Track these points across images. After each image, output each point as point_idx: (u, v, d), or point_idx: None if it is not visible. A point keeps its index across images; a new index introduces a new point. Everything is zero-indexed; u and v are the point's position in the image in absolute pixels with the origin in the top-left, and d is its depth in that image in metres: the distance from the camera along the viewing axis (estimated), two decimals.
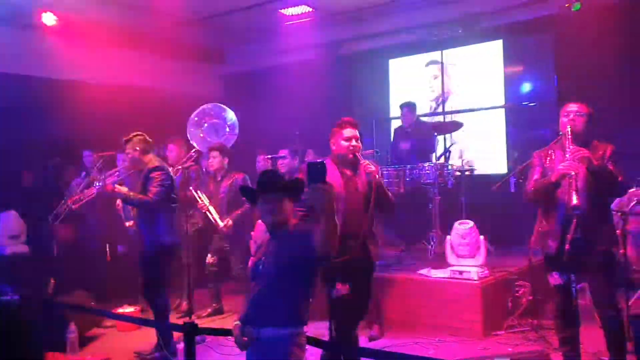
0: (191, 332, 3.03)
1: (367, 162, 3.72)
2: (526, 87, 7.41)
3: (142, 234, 4.90)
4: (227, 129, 6.83)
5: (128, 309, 5.75)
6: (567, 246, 3.59)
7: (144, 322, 4.84)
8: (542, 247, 3.86)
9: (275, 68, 8.87)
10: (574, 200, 3.45)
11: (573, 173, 3.53)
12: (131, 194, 4.79)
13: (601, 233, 3.70)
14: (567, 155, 3.60)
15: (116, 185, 4.84)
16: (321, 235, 2.78)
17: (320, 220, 2.77)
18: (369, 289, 3.89)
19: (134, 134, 4.90)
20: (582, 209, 3.49)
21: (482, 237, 5.55)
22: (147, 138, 4.93)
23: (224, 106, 6.98)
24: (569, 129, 3.69)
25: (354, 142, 3.76)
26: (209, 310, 6.13)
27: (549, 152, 3.88)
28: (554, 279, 3.79)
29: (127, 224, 6.02)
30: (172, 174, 4.98)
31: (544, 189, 3.76)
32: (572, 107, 3.76)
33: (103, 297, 5.96)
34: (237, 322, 2.93)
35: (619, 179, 3.63)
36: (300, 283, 2.89)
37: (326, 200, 2.70)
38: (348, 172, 3.77)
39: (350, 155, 3.73)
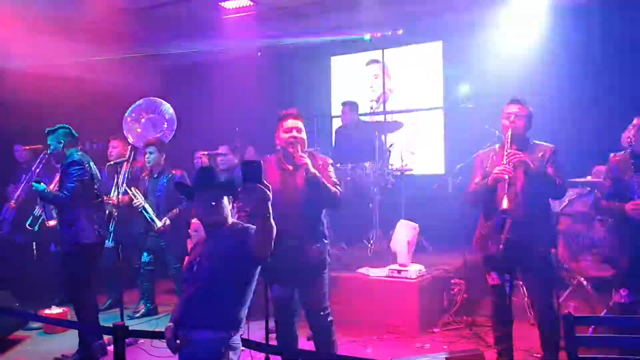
0: (121, 334, 2.88)
1: (300, 154, 3.57)
2: (464, 88, 7.54)
3: (62, 232, 4.67)
4: (165, 124, 6.63)
5: (56, 310, 5.49)
6: (500, 246, 3.66)
7: (70, 324, 4.62)
8: (482, 248, 3.92)
9: (216, 62, 8.68)
10: (504, 204, 3.52)
11: (507, 177, 3.60)
12: (46, 190, 4.58)
13: (541, 234, 3.78)
14: (504, 160, 3.67)
15: (33, 182, 4.61)
16: (256, 237, 2.71)
17: (256, 222, 2.69)
18: (311, 291, 3.70)
19: (58, 126, 4.69)
20: (512, 213, 3.55)
21: (420, 236, 5.63)
22: (73, 131, 4.71)
23: (160, 100, 6.78)
24: (510, 133, 3.74)
25: (294, 133, 3.64)
26: (142, 310, 5.94)
27: (491, 155, 3.93)
28: (492, 279, 3.85)
29: (50, 223, 5.78)
30: (93, 169, 4.74)
31: (481, 192, 3.83)
32: (513, 108, 3.82)
33: (31, 298, 5.67)
34: (170, 324, 2.84)
35: (557, 182, 3.72)
36: (235, 285, 2.80)
37: (261, 201, 2.58)
38: (290, 168, 3.65)
39: (290, 148, 3.61)
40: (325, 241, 3.73)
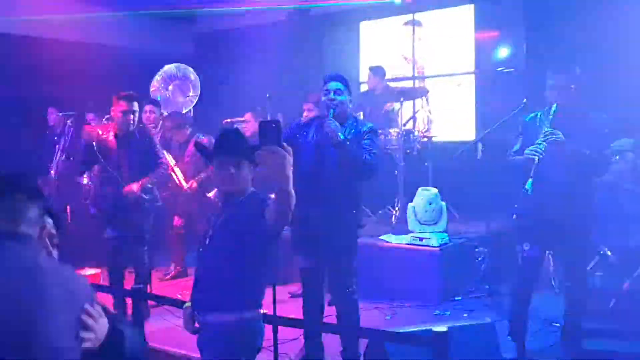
0: (137, 297, 3.00)
1: (330, 119, 3.48)
2: (497, 53, 7.35)
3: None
4: (191, 91, 6.72)
5: (89, 272, 5.70)
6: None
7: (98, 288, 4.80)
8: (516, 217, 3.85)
9: (245, 29, 8.70)
10: (528, 185, 3.40)
11: (536, 159, 3.47)
12: None
13: (580, 212, 3.67)
14: (540, 136, 3.53)
15: None
16: (272, 207, 2.47)
17: (274, 188, 2.42)
18: (341, 261, 3.64)
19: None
20: (530, 195, 3.44)
21: (444, 203, 5.59)
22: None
23: (185, 65, 6.87)
24: (554, 107, 3.58)
25: (331, 95, 3.56)
26: (173, 272, 6.12)
27: (537, 122, 3.74)
28: (526, 250, 3.77)
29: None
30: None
31: (515, 164, 3.72)
32: (559, 79, 3.63)
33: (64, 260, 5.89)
34: (188, 305, 2.67)
35: (599, 162, 3.60)
36: (251, 260, 2.56)
37: (279, 166, 2.31)
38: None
39: (326, 110, 3.54)
40: (356, 212, 3.65)
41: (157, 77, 6.88)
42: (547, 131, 3.52)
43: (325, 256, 3.65)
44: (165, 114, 6.38)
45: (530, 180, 3.42)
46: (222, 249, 2.58)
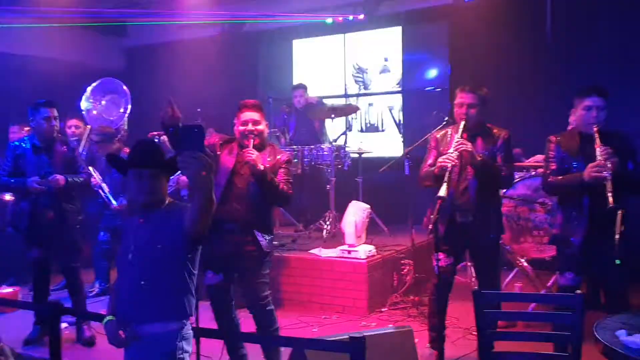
0: (55, 312, 2.95)
1: (250, 150, 3.54)
2: (423, 73, 7.65)
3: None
4: (122, 107, 6.64)
5: (6, 290, 5.52)
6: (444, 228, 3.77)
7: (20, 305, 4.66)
8: (432, 229, 3.99)
9: (178, 43, 8.68)
10: (442, 191, 3.54)
11: (449, 166, 3.64)
12: None
13: (489, 220, 3.89)
14: (452, 147, 3.72)
15: None
16: (192, 212, 2.46)
17: (194, 195, 2.45)
18: (250, 280, 3.68)
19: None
20: (447, 200, 3.57)
21: (373, 216, 5.74)
22: None
23: (117, 80, 6.79)
24: (463, 123, 3.78)
25: (249, 127, 3.64)
26: (96, 290, 6.00)
27: (447, 136, 3.96)
28: (437, 260, 3.91)
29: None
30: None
31: (431, 177, 3.88)
32: (464, 95, 3.84)
33: None
34: (110, 318, 2.61)
35: (503, 173, 3.80)
36: (180, 270, 2.57)
37: (201, 171, 2.30)
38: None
39: (245, 141, 3.61)
40: (269, 235, 3.71)
41: (89, 91, 6.75)
42: (458, 140, 3.71)
43: (234, 271, 3.71)
44: (89, 127, 6.25)
45: (444, 185, 3.56)
46: (148, 261, 2.55)
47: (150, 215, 2.62)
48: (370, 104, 8.12)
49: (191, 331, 2.65)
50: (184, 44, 8.60)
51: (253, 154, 3.54)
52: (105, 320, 2.63)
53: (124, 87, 6.86)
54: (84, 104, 6.70)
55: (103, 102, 7.15)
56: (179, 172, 2.67)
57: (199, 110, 7.28)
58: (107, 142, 5.99)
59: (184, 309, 2.59)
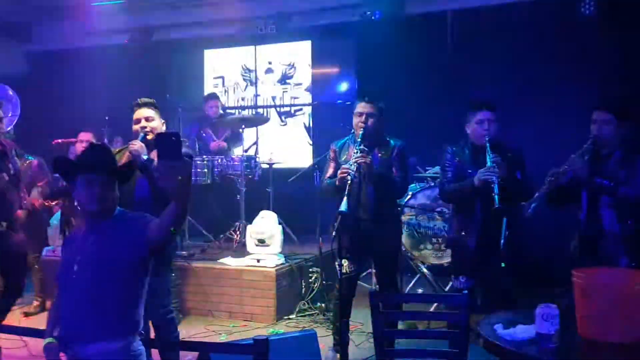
0: None
1: (133, 141, 3.51)
2: (333, 87, 7.88)
3: None
4: (10, 112, 6.37)
5: None
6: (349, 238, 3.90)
7: None
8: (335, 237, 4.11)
9: (86, 50, 8.45)
10: (343, 206, 3.63)
11: (349, 179, 3.74)
12: None
13: (388, 229, 4.07)
14: (351, 160, 3.84)
15: None
16: (165, 221, 2.38)
17: (172, 204, 2.36)
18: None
19: None
20: (347, 213, 3.66)
21: (281, 226, 5.84)
22: None
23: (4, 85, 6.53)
24: (361, 132, 3.89)
25: (142, 123, 3.62)
26: (37, 304, 5.77)
27: (346, 144, 4.10)
28: (342, 266, 4.00)
29: None
30: None
31: (331, 190, 4.01)
32: (363, 106, 3.97)
33: None
34: (51, 341, 2.43)
35: (397, 184, 3.99)
36: (131, 283, 2.45)
37: (183, 179, 2.25)
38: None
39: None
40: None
41: None
42: (357, 154, 3.85)
43: None
44: None
45: (345, 199, 3.67)
46: (96, 274, 2.40)
47: (99, 224, 2.48)
48: (282, 115, 8.25)
49: (142, 347, 2.51)
50: (91, 51, 8.37)
51: (135, 144, 3.49)
52: (46, 342, 2.45)
53: (10, 92, 6.60)
54: None
55: None
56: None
57: (107, 118, 7.11)
58: None
59: (132, 324, 2.46)
